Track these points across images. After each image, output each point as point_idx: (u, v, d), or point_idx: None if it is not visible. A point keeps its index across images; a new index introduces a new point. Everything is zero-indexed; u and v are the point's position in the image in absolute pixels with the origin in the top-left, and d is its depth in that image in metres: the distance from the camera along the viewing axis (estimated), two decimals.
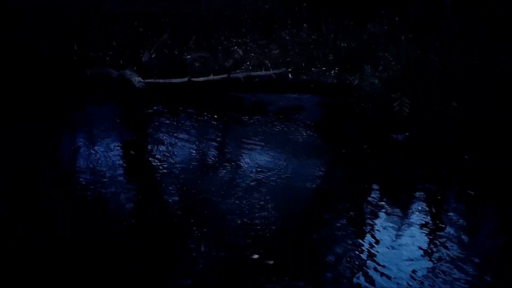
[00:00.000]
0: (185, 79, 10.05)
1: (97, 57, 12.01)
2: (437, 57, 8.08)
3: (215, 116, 8.64)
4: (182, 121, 8.45)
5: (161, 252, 4.69)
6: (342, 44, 10.19)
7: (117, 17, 13.46)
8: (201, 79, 10.13)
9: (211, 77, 10.16)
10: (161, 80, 10.25)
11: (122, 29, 13.02)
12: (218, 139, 7.85)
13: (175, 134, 7.79)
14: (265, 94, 9.79)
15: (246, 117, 8.53)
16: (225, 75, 10.14)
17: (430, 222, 5.16)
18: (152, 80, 10.21)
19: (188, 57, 11.39)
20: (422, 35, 8.98)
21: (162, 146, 7.32)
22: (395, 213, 5.36)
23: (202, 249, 4.71)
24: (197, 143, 7.52)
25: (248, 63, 10.79)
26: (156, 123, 8.41)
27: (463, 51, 8.23)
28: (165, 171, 6.48)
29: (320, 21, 11.77)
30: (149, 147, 7.44)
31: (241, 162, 6.72)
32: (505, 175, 6.13)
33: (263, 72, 10.31)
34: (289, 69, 10.33)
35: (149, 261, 4.51)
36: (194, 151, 7.20)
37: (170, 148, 7.27)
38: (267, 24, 12.62)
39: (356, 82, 8.36)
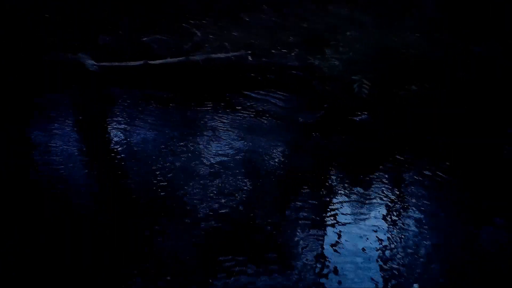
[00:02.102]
0: (141, 62, 9.48)
1: (52, 41, 11.28)
2: (399, 40, 7.75)
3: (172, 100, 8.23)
4: (138, 106, 8.00)
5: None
6: (304, 25, 9.77)
7: None
8: (158, 62, 9.58)
9: (169, 60, 9.62)
10: (117, 63, 9.67)
11: (77, 11, 12.27)
12: (174, 124, 7.42)
13: (130, 120, 7.35)
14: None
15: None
16: (183, 58, 9.61)
17: (394, 203, 5.03)
18: (107, 64, 9.62)
19: (145, 39, 10.79)
20: (385, 17, 8.65)
21: (117, 133, 6.89)
22: (356, 194, 5.21)
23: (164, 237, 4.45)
24: (153, 129, 7.09)
25: (207, 45, 10.26)
26: (110, 109, 7.93)
27: (429, 36, 7.94)
28: (123, 156, 6.10)
29: (282, 3, 11.31)
30: (104, 134, 6.99)
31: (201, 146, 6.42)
32: (462, 154, 6.10)
33: (222, 55, 9.82)
34: (249, 52, 9.87)
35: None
36: (151, 138, 6.78)
37: (126, 135, 6.83)
38: (228, 5, 12.07)
39: (317, 63, 8.00)
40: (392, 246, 4.31)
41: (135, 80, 9.24)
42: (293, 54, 9.63)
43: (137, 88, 8.98)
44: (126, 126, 7.15)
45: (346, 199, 5.13)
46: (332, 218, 4.76)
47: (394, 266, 4.03)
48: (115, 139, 6.77)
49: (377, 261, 4.09)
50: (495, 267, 4.07)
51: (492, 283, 3.90)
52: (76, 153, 6.24)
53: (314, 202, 5.02)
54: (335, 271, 3.98)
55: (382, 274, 3.94)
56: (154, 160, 6.01)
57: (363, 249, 4.23)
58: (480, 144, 6.27)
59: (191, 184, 5.38)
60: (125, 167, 5.94)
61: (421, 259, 4.12)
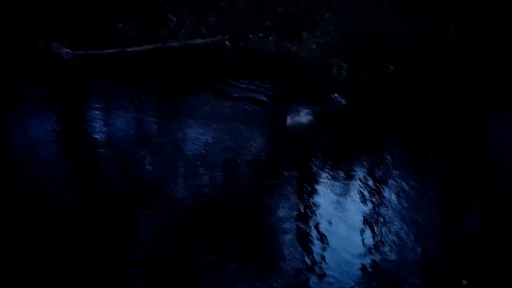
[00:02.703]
0: (117, 49, 9.30)
1: (25, 31, 10.96)
2: (375, 23, 7.72)
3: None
4: (115, 94, 7.84)
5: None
6: (280, 9, 9.66)
7: None
8: (134, 49, 9.40)
9: (145, 47, 9.45)
10: (92, 52, 9.46)
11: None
12: (154, 112, 7.30)
13: (108, 109, 7.20)
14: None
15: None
16: (159, 45, 9.45)
17: (373, 188, 5.07)
18: (82, 52, 9.41)
19: (120, 26, 10.57)
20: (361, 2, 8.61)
21: (97, 123, 6.75)
22: (336, 180, 5.25)
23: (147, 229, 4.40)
24: (133, 117, 6.98)
25: (183, 31, 10.09)
26: (87, 98, 7.76)
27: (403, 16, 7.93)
28: (102, 145, 5.98)
29: None
30: (81, 124, 6.83)
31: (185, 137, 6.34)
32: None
33: (199, 41, 9.67)
34: (226, 37, 9.74)
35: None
36: (131, 127, 6.67)
37: (104, 123, 6.70)
38: None
39: (295, 48, 7.92)
40: (374, 237, 4.28)
41: (111, 68, 9.05)
42: (270, 39, 9.53)
43: (114, 76, 8.80)
44: (103, 115, 7.03)
45: (325, 189, 5.12)
46: (310, 208, 4.75)
47: (377, 259, 4.00)
48: (93, 128, 6.65)
49: (361, 254, 4.07)
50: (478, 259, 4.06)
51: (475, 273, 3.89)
52: (54, 143, 6.12)
53: (294, 192, 5.01)
54: (315, 262, 3.95)
55: (364, 266, 3.91)
56: (133, 148, 5.92)
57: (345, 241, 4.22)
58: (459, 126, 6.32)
59: (172, 172, 5.33)
60: (104, 156, 5.85)
61: (402, 250, 4.11)
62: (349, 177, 5.29)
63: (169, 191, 5.03)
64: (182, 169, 5.43)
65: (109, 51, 9.38)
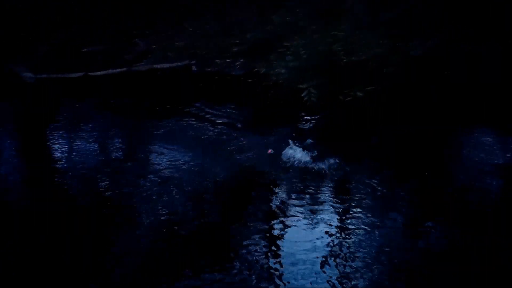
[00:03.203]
0: (81, 73, 9.10)
1: None
2: (342, 47, 7.77)
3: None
4: (80, 118, 7.64)
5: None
6: (248, 35, 9.65)
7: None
8: (99, 73, 9.22)
9: (110, 70, 9.28)
10: (56, 75, 9.24)
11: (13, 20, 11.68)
12: (118, 134, 7.11)
13: (72, 131, 7.00)
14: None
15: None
16: (125, 68, 9.30)
17: (340, 201, 5.06)
18: (45, 75, 9.17)
19: (86, 50, 10.40)
20: (328, 25, 8.68)
21: (62, 147, 6.55)
22: (306, 193, 5.24)
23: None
24: (97, 140, 6.78)
25: (150, 55, 9.98)
26: (49, 121, 7.53)
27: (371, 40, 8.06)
28: (65, 167, 5.77)
29: (225, 11, 11.17)
30: (48, 150, 6.61)
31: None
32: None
33: (166, 65, 9.57)
34: (193, 61, 9.67)
35: None
36: (93, 151, 6.47)
37: (67, 145, 6.51)
38: (170, 15, 11.81)
39: (263, 71, 7.89)
40: (339, 244, 4.31)
41: (76, 91, 8.85)
42: (237, 63, 9.50)
43: (79, 100, 8.57)
44: (67, 137, 6.83)
45: (295, 202, 5.06)
46: (280, 220, 4.69)
47: (339, 261, 4.03)
48: (56, 150, 6.44)
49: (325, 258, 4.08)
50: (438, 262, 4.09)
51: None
52: (18, 165, 5.92)
53: (265, 208, 4.93)
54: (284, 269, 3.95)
55: (330, 271, 3.93)
56: (97, 171, 5.74)
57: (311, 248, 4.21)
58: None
59: (136, 194, 5.16)
60: (67, 177, 5.65)
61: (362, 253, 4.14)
62: (319, 198, 5.21)
63: (135, 210, 4.86)
64: (144, 193, 5.25)
65: (74, 75, 9.18)
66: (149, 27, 11.25)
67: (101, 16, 11.47)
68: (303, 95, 6.88)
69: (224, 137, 6.86)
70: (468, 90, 7.16)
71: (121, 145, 6.79)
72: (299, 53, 7.65)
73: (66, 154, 6.39)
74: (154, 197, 5.14)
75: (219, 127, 7.20)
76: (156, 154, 6.29)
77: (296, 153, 6.05)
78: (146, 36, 10.83)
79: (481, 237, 4.38)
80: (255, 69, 8.26)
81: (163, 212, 4.83)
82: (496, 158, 6.04)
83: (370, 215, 4.76)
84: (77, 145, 6.67)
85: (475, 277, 3.85)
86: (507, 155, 6.15)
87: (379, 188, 5.30)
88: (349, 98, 6.80)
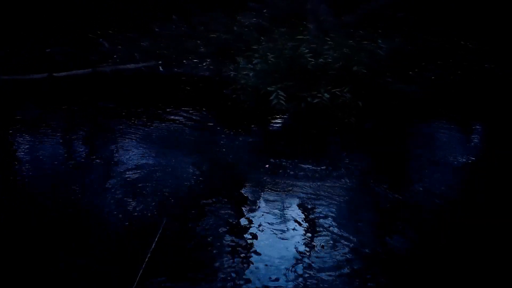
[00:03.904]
0: (45, 74, 8.88)
1: None
2: (309, 49, 7.86)
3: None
4: (44, 120, 7.44)
5: None
6: (214, 35, 9.64)
7: None
8: (63, 74, 9.02)
9: (74, 71, 9.09)
10: (18, 77, 8.97)
11: None
12: (83, 137, 6.96)
13: (35, 134, 6.80)
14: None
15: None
16: (89, 69, 9.13)
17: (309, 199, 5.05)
18: (7, 77, 8.90)
19: (49, 50, 10.14)
20: (294, 27, 8.77)
21: (21, 147, 6.34)
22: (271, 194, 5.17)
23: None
24: (61, 142, 6.63)
25: (115, 56, 9.82)
26: (11, 124, 7.29)
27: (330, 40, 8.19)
28: (30, 170, 5.60)
29: (191, 12, 11.11)
30: (8, 152, 6.40)
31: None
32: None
33: (132, 65, 9.44)
34: (160, 62, 9.58)
35: None
36: (61, 152, 6.32)
37: (31, 148, 6.31)
38: (137, 16, 11.65)
39: (231, 75, 7.89)
40: (308, 241, 4.33)
41: (39, 93, 8.62)
42: (204, 64, 9.46)
43: (42, 101, 8.35)
44: (29, 140, 6.63)
45: (261, 204, 5.04)
46: (247, 223, 4.67)
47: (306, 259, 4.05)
48: (19, 153, 6.24)
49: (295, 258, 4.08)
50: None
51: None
52: None
53: (229, 210, 4.93)
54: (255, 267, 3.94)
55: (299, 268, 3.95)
56: (62, 173, 5.61)
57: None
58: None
59: (104, 197, 5.06)
60: (31, 181, 5.48)
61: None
62: (285, 197, 5.24)
63: (102, 214, 4.77)
64: (116, 193, 5.16)
65: (37, 76, 8.95)
66: (114, 27, 11.07)
67: (64, 16, 11.21)
68: (271, 98, 6.91)
69: (192, 138, 6.84)
70: (437, 85, 7.38)
71: (84, 146, 6.64)
72: (266, 56, 7.69)
73: (27, 157, 6.21)
74: (121, 199, 5.04)
75: (185, 128, 7.16)
76: (120, 155, 6.19)
77: (265, 154, 6.11)
78: (111, 36, 10.64)
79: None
80: (223, 71, 8.25)
81: (130, 213, 4.77)
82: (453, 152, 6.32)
83: (338, 213, 4.84)
84: (39, 147, 6.48)
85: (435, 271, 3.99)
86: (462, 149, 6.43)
87: (348, 183, 5.41)
88: (316, 100, 6.91)
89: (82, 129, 7.23)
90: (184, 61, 9.55)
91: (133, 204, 4.95)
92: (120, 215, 4.74)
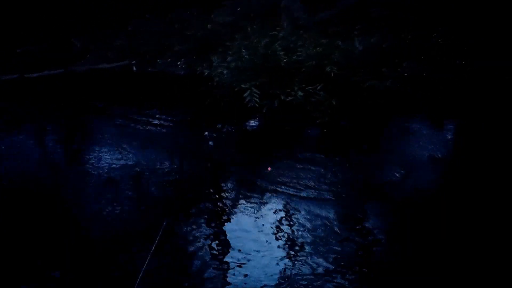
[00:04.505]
0: (16, 75, 8.68)
1: None
2: (282, 46, 7.82)
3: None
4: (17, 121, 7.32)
5: None
6: (189, 33, 9.53)
7: None
8: (35, 74, 8.83)
9: (46, 72, 8.91)
10: None
11: None
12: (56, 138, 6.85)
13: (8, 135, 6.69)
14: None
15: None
16: (62, 70, 8.96)
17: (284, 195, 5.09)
18: None
19: (19, 50, 9.93)
20: (268, 24, 8.72)
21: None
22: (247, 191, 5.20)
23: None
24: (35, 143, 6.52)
25: (89, 55, 9.65)
26: None
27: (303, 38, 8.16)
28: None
29: (166, 10, 10.97)
30: None
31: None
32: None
33: (105, 65, 9.29)
34: (134, 61, 9.44)
35: None
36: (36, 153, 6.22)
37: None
38: (110, 13, 11.45)
39: (206, 73, 7.80)
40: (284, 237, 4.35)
41: (11, 94, 8.44)
42: (178, 63, 9.35)
43: (14, 103, 8.19)
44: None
45: (238, 201, 5.06)
46: (222, 219, 4.67)
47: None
48: None
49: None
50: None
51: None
52: None
53: (207, 206, 4.90)
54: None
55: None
56: (36, 174, 5.54)
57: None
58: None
59: (78, 197, 5.01)
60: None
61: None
62: (260, 196, 5.24)
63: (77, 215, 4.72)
64: (84, 195, 5.12)
65: (7, 77, 8.75)
66: (87, 26, 10.87)
67: (36, 15, 10.97)
68: (245, 95, 6.86)
69: (165, 136, 6.79)
70: (409, 81, 7.40)
71: (57, 148, 6.55)
72: (240, 53, 7.64)
73: None
74: (95, 198, 5.01)
75: (159, 128, 7.09)
76: (93, 155, 6.12)
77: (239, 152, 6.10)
78: (84, 36, 10.45)
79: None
80: (198, 69, 8.15)
81: (105, 214, 4.72)
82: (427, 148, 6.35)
83: (313, 206, 4.85)
84: (11, 149, 6.38)
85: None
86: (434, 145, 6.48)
87: (320, 180, 5.42)
88: (290, 98, 6.88)
89: (54, 130, 7.12)
90: (158, 60, 9.43)
91: (111, 203, 4.91)
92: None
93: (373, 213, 4.91)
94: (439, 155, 6.30)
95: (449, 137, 7.11)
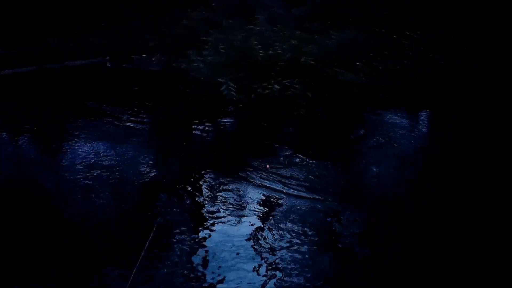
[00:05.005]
0: None
1: None
2: (259, 41, 7.87)
3: None
4: None
5: None
6: (164, 29, 9.50)
7: None
8: (6, 72, 8.64)
9: (18, 69, 8.74)
10: None
11: None
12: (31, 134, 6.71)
13: None
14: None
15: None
16: (35, 67, 8.80)
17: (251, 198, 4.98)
18: None
19: None
20: (244, 19, 8.76)
21: None
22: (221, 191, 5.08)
23: None
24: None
25: (63, 52, 9.50)
26: None
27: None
28: None
29: (141, 7, 10.90)
30: None
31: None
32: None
33: (80, 62, 9.17)
34: (108, 58, 9.34)
35: None
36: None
37: None
38: (84, 11, 11.29)
39: (182, 66, 7.78)
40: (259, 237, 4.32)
41: None
42: (154, 58, 9.30)
43: None
44: None
45: (215, 200, 4.99)
46: (200, 218, 4.62)
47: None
48: None
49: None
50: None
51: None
52: None
53: (185, 206, 4.86)
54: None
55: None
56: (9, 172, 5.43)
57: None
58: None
59: (52, 195, 4.92)
60: None
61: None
62: (235, 190, 5.23)
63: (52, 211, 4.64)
64: (64, 190, 5.03)
65: None
66: (61, 23, 10.69)
67: (9, 12, 10.75)
68: (222, 89, 6.87)
69: (141, 132, 6.71)
70: (383, 75, 7.52)
71: (30, 145, 6.41)
72: (217, 47, 7.65)
73: None
74: (70, 197, 4.93)
75: (133, 124, 7.00)
76: (69, 154, 6.01)
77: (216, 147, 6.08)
78: (59, 32, 10.28)
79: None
80: (174, 64, 8.12)
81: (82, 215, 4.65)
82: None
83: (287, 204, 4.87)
84: None
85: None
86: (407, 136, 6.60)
87: (297, 176, 5.44)
88: (267, 91, 6.93)
89: (27, 128, 6.96)
90: (133, 56, 9.34)
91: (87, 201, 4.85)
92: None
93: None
94: (410, 145, 6.40)
95: (424, 129, 7.23)
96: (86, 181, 5.22)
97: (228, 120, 7.16)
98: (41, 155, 6.12)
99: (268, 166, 5.58)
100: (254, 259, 3.98)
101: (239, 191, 5.12)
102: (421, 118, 7.55)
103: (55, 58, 9.35)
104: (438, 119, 7.43)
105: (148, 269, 3.81)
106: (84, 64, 9.16)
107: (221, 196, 5.01)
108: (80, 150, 6.04)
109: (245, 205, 4.84)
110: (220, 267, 3.87)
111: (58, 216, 4.59)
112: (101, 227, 4.42)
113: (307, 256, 4.02)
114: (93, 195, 4.95)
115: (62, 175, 5.40)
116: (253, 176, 5.39)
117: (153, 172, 5.53)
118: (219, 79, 6.99)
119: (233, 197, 5.00)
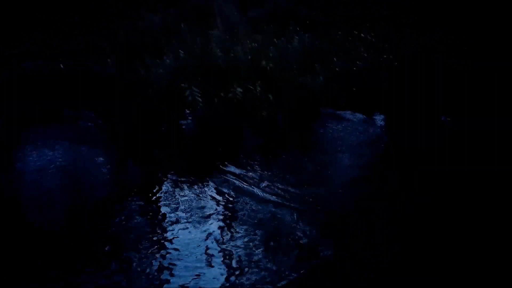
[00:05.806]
0: None
1: None
2: (218, 45, 7.89)
3: None
4: None
5: None
6: (120, 31, 9.31)
7: None
8: None
9: None
10: None
11: None
12: None
13: None
14: None
15: None
16: None
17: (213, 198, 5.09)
18: None
19: None
20: (202, 24, 8.76)
21: None
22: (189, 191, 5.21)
23: None
24: None
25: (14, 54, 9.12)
26: None
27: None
28: None
29: (94, 8, 10.61)
30: None
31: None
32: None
33: (31, 64, 8.83)
34: (60, 59, 9.05)
35: None
36: None
37: None
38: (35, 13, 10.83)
39: (142, 72, 7.67)
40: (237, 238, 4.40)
41: None
42: (109, 60, 9.08)
43: None
44: None
45: (180, 202, 5.04)
46: (158, 222, 4.67)
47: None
48: None
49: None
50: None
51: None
52: None
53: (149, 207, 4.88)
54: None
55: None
56: None
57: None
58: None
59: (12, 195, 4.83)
60: None
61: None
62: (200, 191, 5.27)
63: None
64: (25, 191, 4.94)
65: None
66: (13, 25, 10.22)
67: None
68: (186, 94, 6.89)
69: (96, 139, 6.63)
70: (340, 77, 7.72)
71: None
72: (177, 53, 7.63)
73: None
74: (28, 201, 4.85)
75: (90, 129, 6.89)
76: (20, 157, 5.88)
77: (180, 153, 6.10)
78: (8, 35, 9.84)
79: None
80: (131, 70, 7.98)
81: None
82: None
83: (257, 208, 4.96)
84: None
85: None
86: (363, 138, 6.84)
87: (264, 176, 5.57)
88: (230, 95, 6.98)
89: None
90: (88, 58, 9.09)
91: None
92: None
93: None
94: (367, 147, 6.64)
95: (378, 130, 7.48)
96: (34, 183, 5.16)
97: (190, 125, 7.16)
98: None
99: (228, 168, 5.70)
100: (216, 259, 4.06)
101: (198, 193, 5.17)
102: (375, 118, 7.82)
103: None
104: (388, 121, 7.69)
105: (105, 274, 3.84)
106: (37, 66, 8.83)
107: (180, 199, 5.05)
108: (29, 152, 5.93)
109: (204, 207, 4.90)
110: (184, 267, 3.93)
111: None
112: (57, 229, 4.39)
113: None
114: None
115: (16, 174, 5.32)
116: (216, 177, 5.47)
117: (110, 176, 5.51)
118: (182, 84, 6.98)
119: (192, 200, 5.04)
